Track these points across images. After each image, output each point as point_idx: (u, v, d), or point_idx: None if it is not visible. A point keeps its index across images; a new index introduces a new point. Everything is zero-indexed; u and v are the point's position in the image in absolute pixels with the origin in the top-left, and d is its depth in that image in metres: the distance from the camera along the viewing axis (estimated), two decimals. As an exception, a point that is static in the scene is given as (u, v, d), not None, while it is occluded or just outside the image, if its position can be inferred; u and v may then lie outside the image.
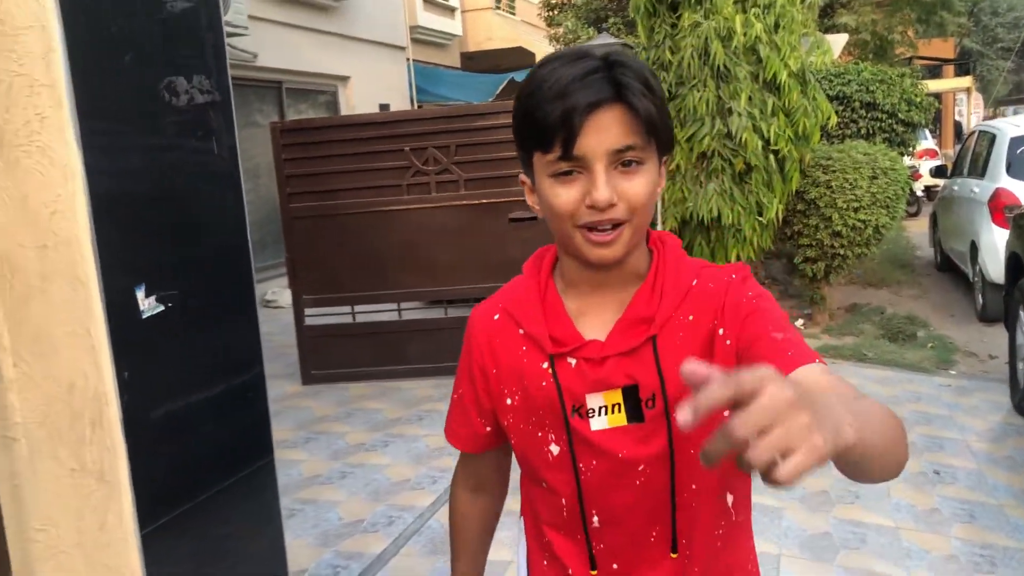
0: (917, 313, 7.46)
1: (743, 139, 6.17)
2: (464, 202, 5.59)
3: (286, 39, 9.96)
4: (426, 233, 5.66)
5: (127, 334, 1.59)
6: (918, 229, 12.06)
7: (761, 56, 6.32)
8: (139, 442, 1.61)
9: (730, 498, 1.12)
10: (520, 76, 12.42)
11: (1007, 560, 3.25)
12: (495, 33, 15.89)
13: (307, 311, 5.92)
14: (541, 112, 0.95)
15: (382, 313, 5.99)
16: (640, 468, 1.06)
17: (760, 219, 6.46)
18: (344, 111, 11.36)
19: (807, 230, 6.95)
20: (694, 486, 1.07)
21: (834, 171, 6.80)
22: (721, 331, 1.03)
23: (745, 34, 6.21)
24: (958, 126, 22.98)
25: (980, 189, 7.63)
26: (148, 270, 1.65)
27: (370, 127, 5.75)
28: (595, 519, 1.09)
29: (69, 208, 1.49)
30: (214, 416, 1.81)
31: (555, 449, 1.08)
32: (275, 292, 8.87)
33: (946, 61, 23.20)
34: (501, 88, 13.43)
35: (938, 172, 9.94)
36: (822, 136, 7.22)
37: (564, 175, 0.97)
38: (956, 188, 8.59)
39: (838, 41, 9.46)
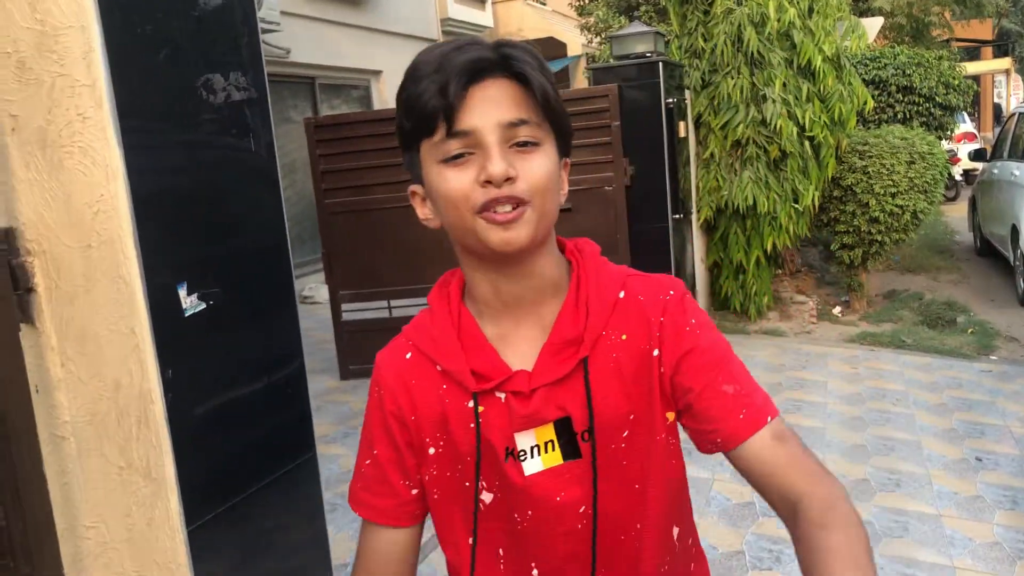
0: (957, 298, 7.31)
1: (778, 126, 6.07)
2: (498, 194, 5.55)
3: (318, 34, 9.98)
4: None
5: (170, 332, 1.59)
6: (957, 214, 11.81)
7: (795, 42, 6.21)
8: (184, 439, 1.61)
9: (676, 531, 1.02)
10: (552, 66, 12.31)
11: (1056, 550, 3.17)
12: (526, 24, 15.82)
13: (344, 306, 5.94)
14: (418, 89, 0.85)
15: (418, 307, 5.99)
16: (581, 510, 0.95)
17: (796, 206, 6.36)
18: (377, 106, 11.38)
19: (844, 216, 6.84)
20: (638, 525, 0.97)
21: (871, 156, 6.68)
22: (656, 353, 0.94)
23: (779, 20, 6.10)
24: (997, 108, 22.49)
25: (1021, 172, 7.45)
26: (189, 268, 1.65)
27: (403, 121, 5.75)
28: (534, 572, 0.98)
29: (112, 208, 1.49)
30: (257, 412, 1.81)
31: (487, 497, 0.96)
32: (312, 288, 8.92)
33: (984, 43, 22.66)
34: (532, 79, 13.33)
35: (977, 155, 9.73)
36: (858, 121, 7.08)
37: (454, 160, 0.86)
38: (996, 171, 8.39)
39: (873, 25, 9.26)
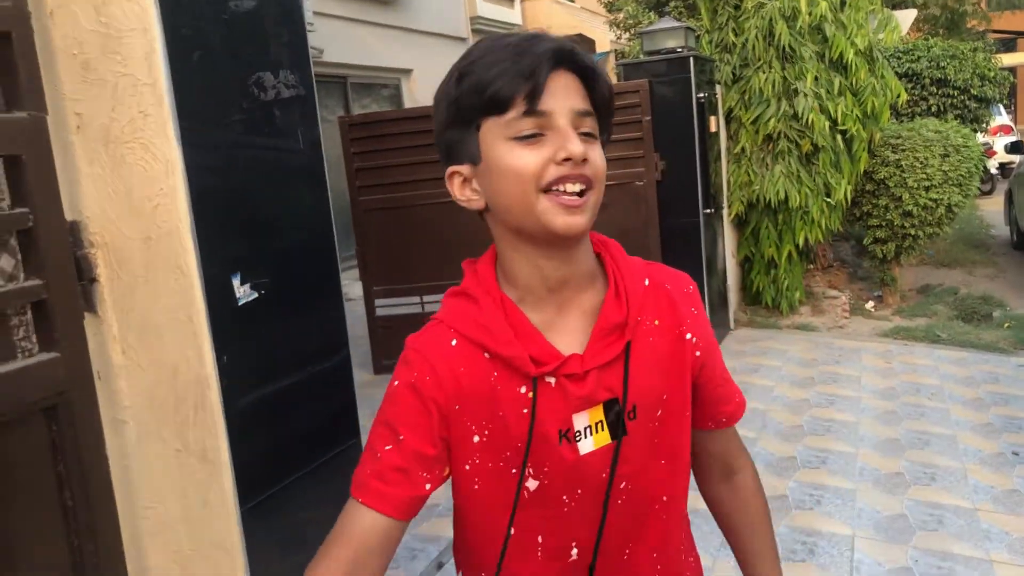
0: (992, 293, 7.24)
1: (809, 120, 6.06)
2: (529, 190, 5.60)
3: (350, 34, 10.10)
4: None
5: (224, 321, 1.66)
6: (993, 207, 11.66)
7: (827, 35, 6.19)
8: (237, 423, 1.69)
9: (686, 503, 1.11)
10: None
11: (1093, 543, 3.16)
12: (555, 21, 15.85)
13: (377, 302, 6.03)
14: (498, 70, 0.88)
15: (451, 302, 6.06)
16: (622, 486, 1.00)
17: (828, 200, 6.34)
18: (407, 104, 11.48)
19: (876, 211, 6.80)
20: (665, 498, 1.04)
21: (904, 150, 6.64)
22: (690, 336, 1.03)
23: (810, 13, 6.09)
24: (1033, 100, 22.09)
25: (1058, 164, 7.36)
26: (242, 260, 1.72)
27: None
28: (574, 552, 1.02)
29: (171, 201, 1.57)
30: (305, 399, 1.88)
31: (532, 484, 0.98)
32: (346, 284, 9.01)
33: (1020, 34, 22.30)
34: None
35: (1014, 148, 9.61)
36: (891, 115, 7.03)
37: (528, 138, 0.89)
38: (1033, 164, 8.29)
39: (906, 17, 9.18)
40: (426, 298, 5.96)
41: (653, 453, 1.01)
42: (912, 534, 3.28)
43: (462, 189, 0.97)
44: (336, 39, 9.65)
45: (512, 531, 0.99)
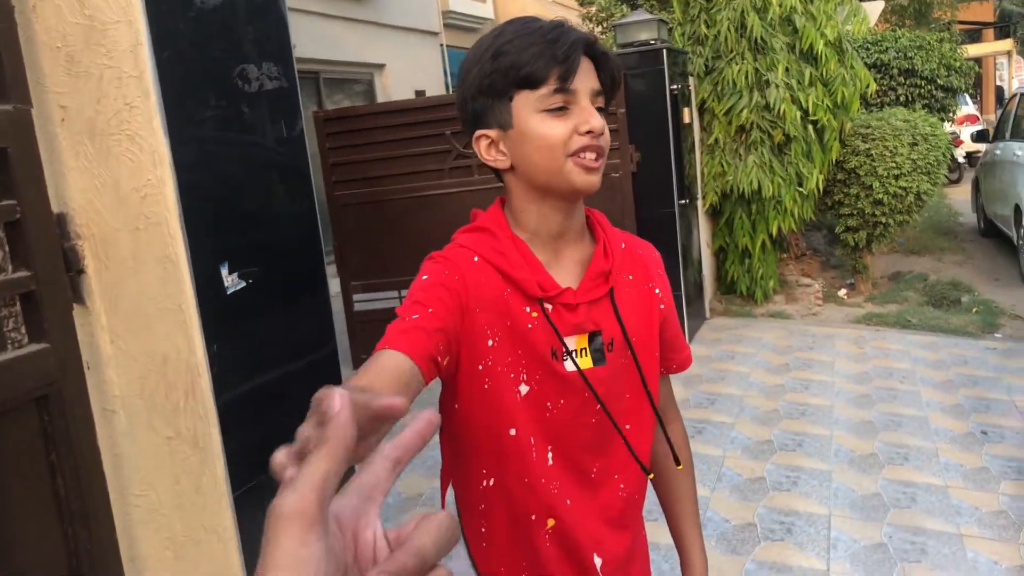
0: (961, 279, 7.39)
1: (781, 110, 6.15)
2: (506, 183, 5.64)
3: (322, 29, 10.07)
4: (469, 216, 5.73)
5: (214, 310, 1.68)
6: (960, 196, 11.88)
7: (797, 27, 6.28)
8: (228, 410, 1.71)
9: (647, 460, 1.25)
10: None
11: (1060, 516, 3.27)
12: (527, 14, 15.85)
13: (355, 297, 6.04)
14: (533, 51, 1.05)
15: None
16: (597, 407, 1.16)
17: (800, 190, 6.44)
18: (380, 99, 11.46)
19: (848, 199, 6.92)
20: (628, 426, 1.20)
21: (874, 139, 6.75)
22: (658, 291, 1.24)
23: (781, 5, 6.18)
24: (999, 91, 22.47)
25: (1023, 152, 7.52)
26: (229, 249, 1.74)
27: (411, 113, 5.82)
28: (550, 455, 1.15)
29: (159, 192, 1.59)
30: (294, 387, 1.91)
31: (524, 389, 1.12)
32: (321, 279, 9.02)
33: (986, 24, 22.66)
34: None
35: (980, 137, 9.79)
36: (861, 105, 7.15)
37: (557, 110, 1.07)
38: (999, 152, 8.46)
39: (875, 8, 9.32)
40: (404, 293, 5.97)
41: (621, 383, 1.18)
42: (886, 511, 3.37)
43: (489, 150, 1.13)
44: (308, 34, 9.62)
45: (514, 431, 1.12)
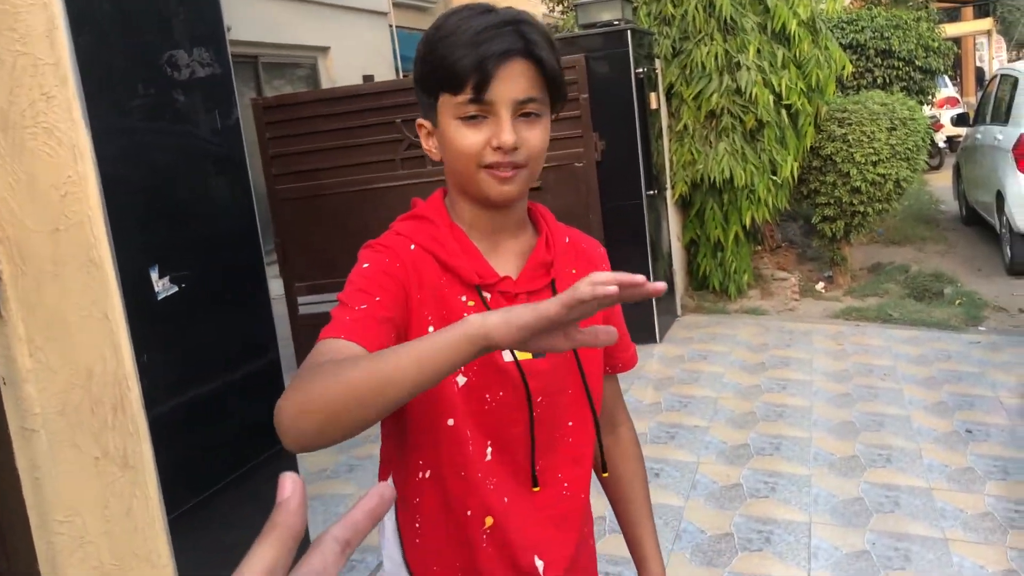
0: (943, 270, 7.55)
1: (753, 94, 6.23)
2: (461, 174, 5.63)
3: (261, 10, 9.96)
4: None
5: (143, 317, 1.66)
6: (941, 182, 12.13)
7: (768, 5, 6.37)
8: (161, 426, 1.69)
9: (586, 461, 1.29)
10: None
11: (1047, 516, 3.36)
12: (481, -6, 15.84)
13: (300, 299, 5.99)
14: (456, 55, 1.07)
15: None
16: (538, 400, 1.19)
17: (774, 178, 6.53)
18: (325, 84, 11.37)
19: (824, 188, 7.02)
20: (570, 423, 1.24)
21: (850, 124, 6.87)
22: None
23: (751, -18, 6.25)
24: (979, 72, 22.96)
25: (1004, 136, 7.69)
26: (160, 251, 1.72)
27: (358, 99, 5.79)
28: (488, 450, 1.17)
29: (80, 189, 1.56)
30: (233, 399, 1.89)
31: (461, 380, 1.14)
32: (263, 280, 8.93)
33: (964, 3, 23.16)
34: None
35: (960, 120, 9.99)
36: (836, 88, 7.27)
37: (471, 119, 1.10)
38: (979, 136, 8.65)
39: (848, -15, 9.48)
40: (354, 293, 5.94)
41: (562, 377, 1.22)
42: (869, 517, 3.43)
43: (427, 140, 1.18)
44: (245, 15, 9.51)
45: (451, 422, 1.15)
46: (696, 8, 6.33)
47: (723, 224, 6.67)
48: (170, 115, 1.78)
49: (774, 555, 3.19)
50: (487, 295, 1.16)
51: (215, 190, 1.91)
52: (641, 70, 5.79)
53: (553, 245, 1.23)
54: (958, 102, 15.72)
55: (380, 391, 0.87)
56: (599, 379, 1.28)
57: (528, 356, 1.17)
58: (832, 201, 7.04)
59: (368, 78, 12.20)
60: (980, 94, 11.23)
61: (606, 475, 1.31)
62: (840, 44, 7.90)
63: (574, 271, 1.24)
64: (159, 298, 1.70)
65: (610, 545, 3.00)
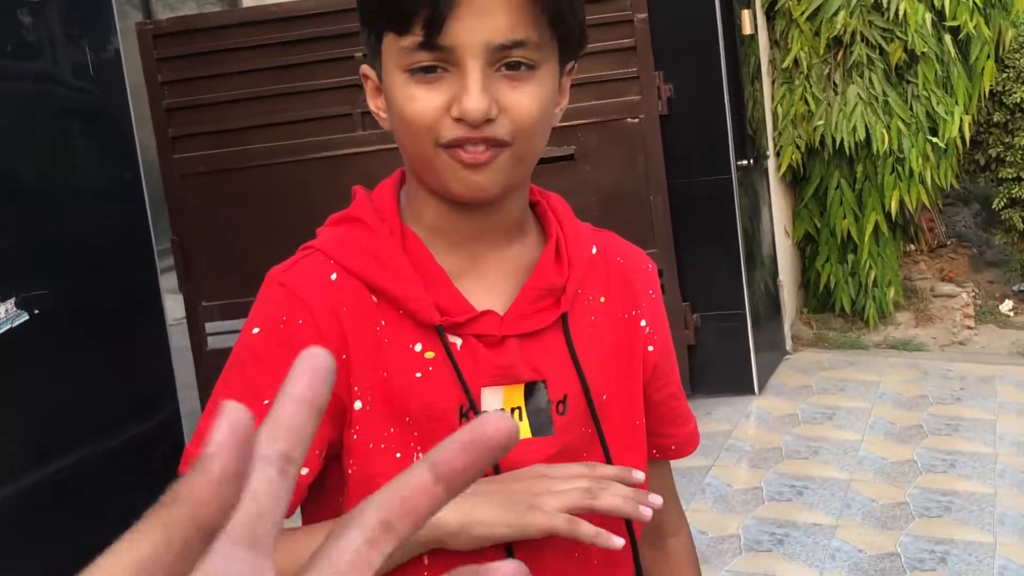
0: None
1: (901, 12, 6.21)
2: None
3: None
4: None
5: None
6: None
7: None
8: (2, 521, 1.71)
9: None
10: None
11: None
12: None
13: (209, 327, 5.99)
14: None
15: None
16: None
17: (934, 140, 6.50)
18: (247, 3, 11.45)
19: (1012, 155, 7.01)
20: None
21: (1052, 56, 6.86)
22: (644, 324, 1.25)
23: None
24: None
25: None
26: (2, 262, 1.74)
27: (296, 23, 5.78)
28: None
29: None
30: (111, 482, 1.91)
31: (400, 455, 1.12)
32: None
33: None
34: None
35: None
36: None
37: (424, 72, 1.05)
38: None
39: None
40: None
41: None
42: None
43: (373, 98, 1.16)
44: None
45: None
46: None
47: (856, 211, 6.65)
48: (16, 49, 1.81)
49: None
50: (456, 340, 1.11)
51: (83, 164, 1.93)
52: (729, -24, 5.80)
53: (568, 258, 1.17)
54: None
55: None
56: (638, 467, 1.21)
57: (527, 432, 1.14)
58: (1024, 175, 7.03)
59: (310, -10, 12.28)
60: None
61: None
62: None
63: (602, 299, 1.21)
64: (0, 331, 1.72)
65: None
